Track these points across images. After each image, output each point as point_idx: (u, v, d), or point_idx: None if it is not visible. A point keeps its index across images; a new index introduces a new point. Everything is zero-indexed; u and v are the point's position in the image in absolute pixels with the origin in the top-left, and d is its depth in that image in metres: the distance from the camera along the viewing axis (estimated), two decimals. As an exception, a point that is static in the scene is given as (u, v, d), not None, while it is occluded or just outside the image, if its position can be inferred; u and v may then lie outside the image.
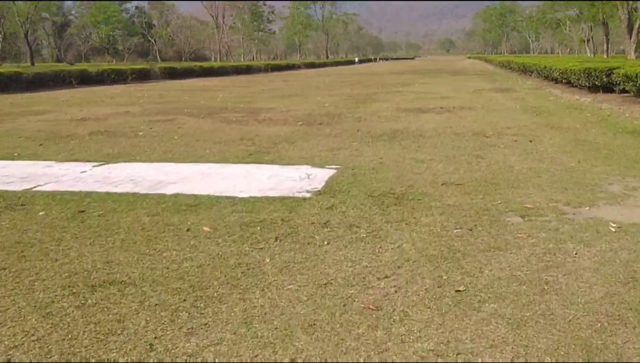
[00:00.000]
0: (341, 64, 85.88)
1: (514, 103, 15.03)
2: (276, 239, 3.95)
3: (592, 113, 12.27)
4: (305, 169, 6.43)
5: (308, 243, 3.85)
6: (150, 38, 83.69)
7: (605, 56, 44.12)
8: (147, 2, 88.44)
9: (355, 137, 9.29)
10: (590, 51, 59.66)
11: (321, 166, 6.69)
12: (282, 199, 5.04)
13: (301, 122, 11.58)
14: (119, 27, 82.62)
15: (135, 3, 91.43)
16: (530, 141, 8.32)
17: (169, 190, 5.50)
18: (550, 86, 21.86)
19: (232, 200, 5.03)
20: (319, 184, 5.60)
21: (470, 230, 4.04)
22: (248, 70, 47.77)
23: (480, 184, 5.48)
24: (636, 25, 30.65)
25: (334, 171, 6.33)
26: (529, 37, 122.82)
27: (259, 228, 4.19)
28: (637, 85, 13.17)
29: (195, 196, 5.22)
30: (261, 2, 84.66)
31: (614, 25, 50.24)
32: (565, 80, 20.66)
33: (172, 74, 37.65)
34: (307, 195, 5.15)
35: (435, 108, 13.93)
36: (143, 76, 35.29)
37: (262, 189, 5.46)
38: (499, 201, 4.75)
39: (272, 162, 7.08)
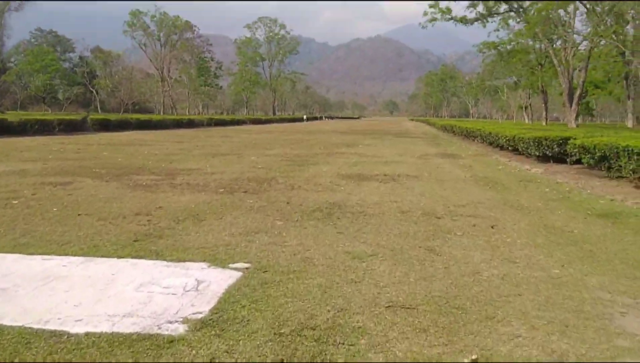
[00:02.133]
0: (288, 121, 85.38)
1: (462, 172, 13.79)
2: None
3: (549, 188, 11.07)
4: (197, 272, 4.62)
5: None
6: (91, 89, 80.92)
7: (544, 123, 44.77)
8: (91, 52, 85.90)
9: (282, 213, 7.58)
10: (529, 118, 61.12)
11: (223, 264, 4.91)
12: (137, 339, 3.20)
13: (223, 189, 9.83)
14: (57, 77, 79.49)
15: (79, 53, 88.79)
16: (492, 227, 6.82)
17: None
18: (496, 153, 21.07)
19: (56, 340, 3.17)
20: (207, 305, 3.80)
21: None
22: (190, 124, 45.99)
23: (441, 308, 3.81)
24: (576, 94, 30.90)
25: (238, 275, 4.55)
26: (469, 103, 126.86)
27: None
28: (596, 157, 12.16)
29: (-2, 328, 3.33)
30: (208, 57, 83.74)
31: (551, 93, 51.63)
32: (511, 147, 19.89)
33: (107, 126, 35.42)
34: (181, 330, 3.33)
35: (379, 176, 12.48)
36: (73, 127, 32.91)
37: (116, 314, 3.59)
38: (474, 356, 3.07)
39: (158, 255, 5.23)
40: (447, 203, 8.78)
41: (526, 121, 59.23)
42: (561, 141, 15.23)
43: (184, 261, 5.01)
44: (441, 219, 7.29)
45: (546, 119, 45.31)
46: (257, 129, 47.50)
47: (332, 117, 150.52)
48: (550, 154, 15.80)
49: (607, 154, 11.71)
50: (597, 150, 12.14)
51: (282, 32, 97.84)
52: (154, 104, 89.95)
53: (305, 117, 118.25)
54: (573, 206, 8.84)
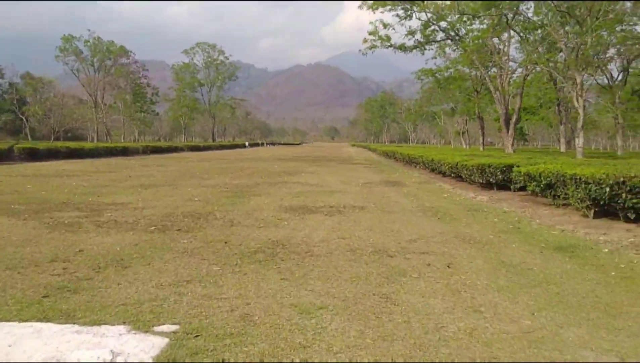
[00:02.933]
0: (228, 147, 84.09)
1: (408, 201, 13.41)
2: None
3: (498, 217, 10.79)
4: (113, 340, 3.82)
5: None
6: (21, 116, 77.24)
7: (481, 148, 45.77)
8: (20, 78, 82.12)
9: (219, 255, 6.84)
10: (466, 143, 62.59)
11: (147, 326, 4.13)
12: None
13: (154, 227, 8.97)
14: (-18, 104, 75.40)
15: (8, 79, 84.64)
16: (449, 267, 6.32)
17: None
18: (439, 180, 20.97)
19: None
20: (119, 392, 3.03)
21: None
22: (124, 152, 44.24)
23: (408, 383, 3.19)
24: (513, 119, 31.62)
25: (164, 343, 3.79)
26: (408, 128, 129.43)
27: None
28: (542, 185, 12.02)
29: None
30: (144, 82, 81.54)
31: (486, 119, 53.06)
32: (454, 174, 19.83)
33: (34, 155, 33.42)
34: None
35: (324, 207, 11.90)
36: (-2, 156, 30.85)
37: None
38: None
39: (69, 316, 4.39)
40: (397, 238, 8.27)
41: (464, 146, 60.57)
42: (505, 169, 15.16)
43: (100, 324, 4.20)
44: (394, 259, 6.74)
45: (483, 144, 46.32)
46: (196, 156, 46.24)
47: (273, 144, 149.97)
48: (494, 182, 15.70)
49: (554, 182, 11.59)
50: (542, 178, 12.01)
51: (221, 57, 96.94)
52: (88, 131, 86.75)
53: (247, 143, 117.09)
54: (526, 238, 8.52)
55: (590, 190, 9.95)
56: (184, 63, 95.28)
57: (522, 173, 12.94)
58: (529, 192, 13.65)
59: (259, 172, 24.42)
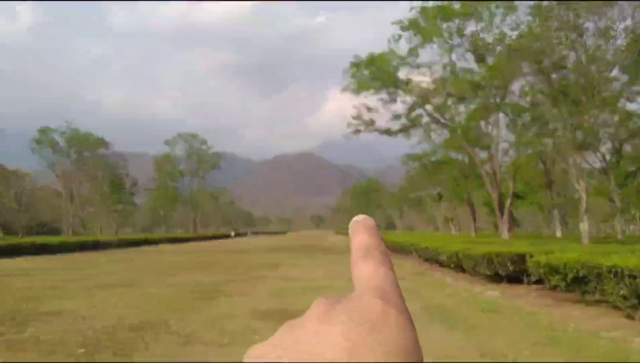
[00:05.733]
0: (209, 238, 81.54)
1: (409, 302, 10.66)
2: None
3: (523, 322, 8.72)
4: None
5: None
6: (-9, 210, 74.57)
7: (472, 235, 43.98)
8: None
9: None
10: (455, 229, 60.87)
11: None
12: None
13: (83, 350, 6.75)
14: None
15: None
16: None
17: None
18: (435, 271, 18.90)
19: None
20: None
21: None
22: (96, 246, 41.63)
23: None
24: (507, 204, 30.04)
25: None
26: (393, 215, 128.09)
27: None
28: (567, 279, 10.02)
29: None
30: (123, 173, 79.91)
31: (475, 204, 51.66)
32: (454, 264, 17.79)
33: (-8, 252, 30.76)
34: None
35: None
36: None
37: None
38: None
39: None
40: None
41: (453, 232, 58.82)
42: (516, 258, 13.18)
43: None
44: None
45: (475, 230, 44.59)
46: (173, 249, 43.72)
47: (257, 233, 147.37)
48: (503, 274, 13.67)
49: (583, 276, 9.60)
50: (568, 270, 10.03)
51: (203, 147, 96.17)
52: (63, 225, 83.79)
53: (232, 233, 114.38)
54: (570, 351, 6.48)
55: (638, 286, 7.98)
56: (165, 154, 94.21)
57: (542, 264, 10.93)
58: (547, 286, 11.63)
59: (237, 265, 22.16)
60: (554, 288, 11.33)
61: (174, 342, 7.19)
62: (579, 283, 9.90)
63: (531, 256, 12.49)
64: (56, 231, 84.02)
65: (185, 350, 6.75)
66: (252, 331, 7.91)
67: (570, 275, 9.93)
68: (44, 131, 68.91)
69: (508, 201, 30.03)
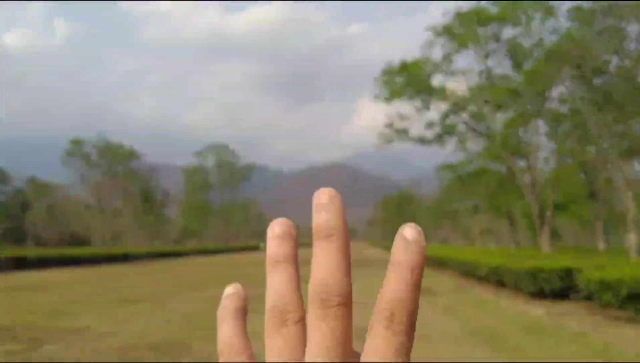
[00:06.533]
0: (237, 251, 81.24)
1: (449, 321, 10.33)
2: None
3: (574, 344, 7.74)
4: None
5: None
6: (25, 222, 75.67)
7: (512, 248, 42.43)
8: (25, 183, 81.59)
9: None
10: (494, 242, 59.14)
11: None
12: None
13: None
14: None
15: (14, 184, 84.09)
16: None
17: None
18: (474, 286, 17.81)
19: None
20: None
21: None
22: (125, 258, 41.48)
23: None
24: (548, 214, 28.69)
25: None
26: (428, 227, 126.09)
27: None
28: (621, 296, 8.98)
29: None
30: (154, 185, 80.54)
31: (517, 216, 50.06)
32: (494, 279, 16.71)
33: (22, 264, 30.57)
34: None
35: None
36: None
37: None
38: None
39: None
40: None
41: (490, 246, 57.12)
42: (562, 274, 12.13)
43: None
44: None
45: (515, 244, 43.03)
46: (202, 261, 43.29)
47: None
48: (547, 290, 12.59)
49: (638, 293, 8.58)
50: (622, 287, 9.01)
51: (233, 158, 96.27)
52: (94, 237, 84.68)
53: (262, 245, 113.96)
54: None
55: None
56: (195, 166, 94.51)
57: (595, 281, 9.89)
58: (598, 303, 10.54)
59: (264, 279, 21.43)
60: (605, 305, 10.29)
61: (195, 367, 6.45)
62: (633, 301, 8.89)
63: (579, 271, 11.45)
64: (87, 243, 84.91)
65: (207, 376, 6.00)
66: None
67: (624, 292, 8.90)
68: (75, 142, 69.74)
69: (548, 213, 28.65)
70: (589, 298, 11.00)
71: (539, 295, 13.17)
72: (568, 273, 12.15)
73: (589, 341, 7.99)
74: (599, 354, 7.04)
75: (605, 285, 9.70)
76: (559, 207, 48.11)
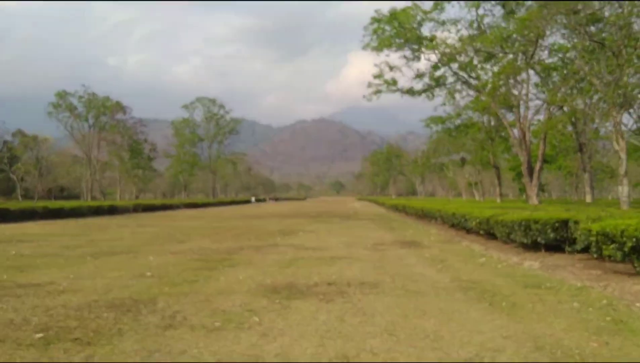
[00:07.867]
0: (228, 204, 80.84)
1: (437, 273, 9.89)
2: None
3: (577, 300, 7.27)
4: None
5: None
6: (12, 174, 74.49)
7: (498, 200, 42.23)
8: (12, 135, 80.00)
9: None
10: (479, 195, 59.05)
11: None
12: None
13: (41, 335, 5.52)
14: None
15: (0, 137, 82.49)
16: None
17: None
18: (463, 238, 17.42)
19: None
20: None
21: None
22: (112, 211, 40.90)
23: None
24: (537, 167, 28.27)
25: None
26: (415, 181, 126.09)
27: None
28: (626, 249, 8.50)
29: None
30: (142, 138, 79.13)
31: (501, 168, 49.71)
32: (484, 231, 16.30)
33: (5, 216, 30.10)
34: None
35: (320, 285, 8.42)
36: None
37: None
38: None
39: None
40: (442, 355, 4.76)
41: (476, 197, 57.01)
42: (558, 225, 11.65)
43: None
44: None
45: (500, 196, 42.82)
46: (189, 214, 42.86)
47: (277, 199, 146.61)
48: (542, 242, 12.15)
49: (645, 245, 8.08)
50: (625, 238, 8.51)
51: (221, 112, 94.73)
52: (83, 191, 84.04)
53: (253, 198, 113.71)
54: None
55: None
56: (184, 118, 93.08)
57: (595, 232, 9.39)
58: (595, 255, 10.08)
59: (249, 232, 20.99)
60: (603, 258, 9.85)
61: (154, 326, 5.91)
62: (637, 253, 8.42)
63: (576, 222, 10.97)
64: (76, 197, 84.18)
65: (165, 336, 5.46)
66: (251, 311, 6.60)
67: (629, 244, 8.41)
68: (61, 95, 68.11)
69: (537, 165, 28.23)
70: (585, 250, 10.56)
71: (532, 247, 12.74)
72: (563, 224, 11.67)
73: (591, 297, 7.47)
74: (605, 311, 6.56)
75: (607, 237, 9.18)
76: (547, 160, 47.86)
